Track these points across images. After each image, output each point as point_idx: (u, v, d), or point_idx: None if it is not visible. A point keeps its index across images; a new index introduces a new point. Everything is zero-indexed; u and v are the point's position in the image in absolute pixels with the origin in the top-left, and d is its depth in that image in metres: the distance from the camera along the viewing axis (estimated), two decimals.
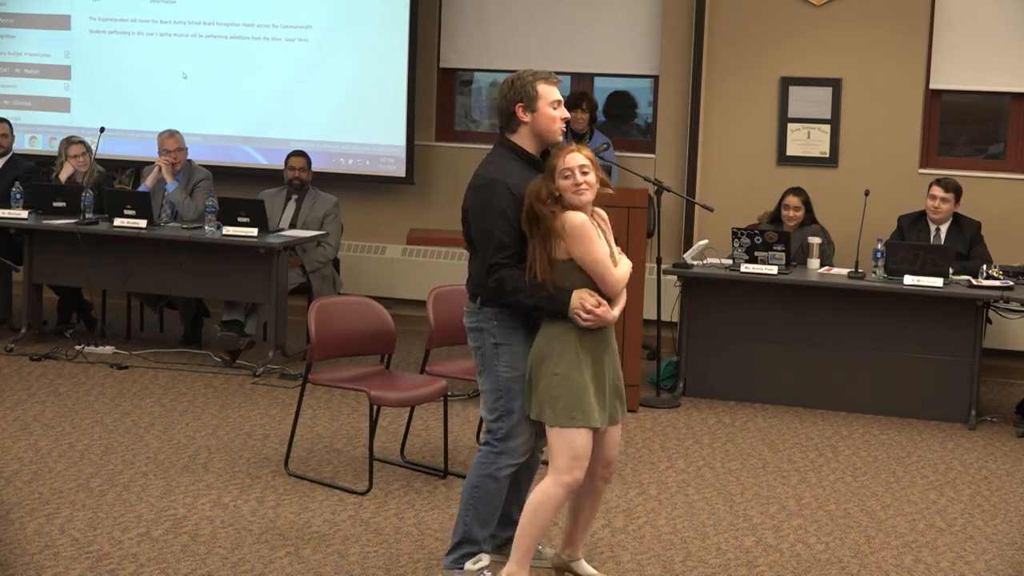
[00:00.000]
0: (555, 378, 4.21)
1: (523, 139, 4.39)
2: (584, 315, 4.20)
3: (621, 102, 9.44)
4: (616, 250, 4.36)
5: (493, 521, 4.46)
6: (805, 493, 5.77)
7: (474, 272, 4.39)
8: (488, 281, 4.26)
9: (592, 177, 4.24)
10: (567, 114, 4.42)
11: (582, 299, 4.20)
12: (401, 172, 9.21)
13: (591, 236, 4.20)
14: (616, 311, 4.28)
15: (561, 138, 4.40)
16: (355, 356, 6.59)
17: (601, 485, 4.47)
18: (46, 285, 8.46)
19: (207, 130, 9.47)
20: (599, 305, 4.22)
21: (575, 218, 4.18)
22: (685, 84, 8.78)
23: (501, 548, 4.64)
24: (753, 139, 8.70)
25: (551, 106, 4.35)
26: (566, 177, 4.20)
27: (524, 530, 4.28)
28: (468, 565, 4.41)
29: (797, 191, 7.92)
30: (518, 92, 4.35)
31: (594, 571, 4.59)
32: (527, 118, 4.35)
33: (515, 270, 4.23)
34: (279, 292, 7.69)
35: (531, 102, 4.34)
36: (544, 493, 4.25)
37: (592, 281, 4.24)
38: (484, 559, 4.43)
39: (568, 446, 4.22)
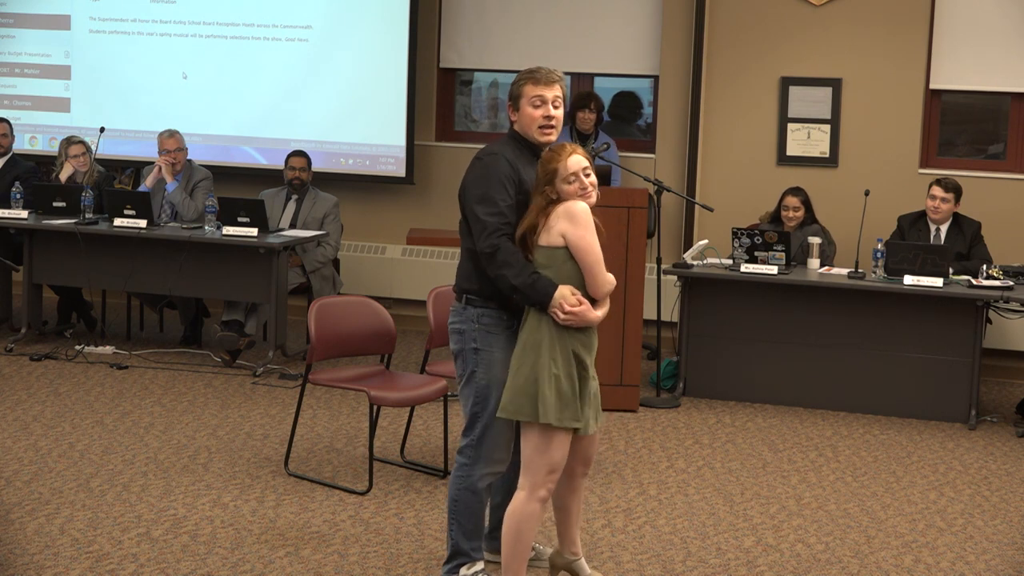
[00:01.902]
0: (547, 376, 4.08)
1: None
2: (563, 314, 4.09)
3: (623, 102, 9.44)
4: None
5: (479, 532, 4.39)
6: (805, 493, 5.77)
7: (462, 270, 4.33)
8: (484, 244, 4.15)
9: (594, 178, 4.20)
10: (551, 112, 4.29)
11: (564, 296, 4.09)
12: (401, 172, 9.20)
13: (592, 227, 4.11)
14: (600, 313, 4.17)
15: (551, 138, 4.31)
16: (355, 356, 6.60)
17: (580, 480, 4.43)
18: (46, 285, 8.46)
19: (207, 130, 9.47)
20: (580, 304, 4.11)
21: (580, 204, 4.12)
22: (685, 84, 8.77)
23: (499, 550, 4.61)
24: (753, 139, 8.70)
25: (531, 103, 4.28)
26: (571, 182, 4.13)
27: (510, 553, 4.17)
28: (463, 571, 4.37)
29: (796, 191, 7.91)
30: (510, 92, 4.36)
31: (592, 572, 4.57)
32: (514, 117, 4.35)
33: (513, 245, 4.15)
34: (279, 292, 7.69)
35: (516, 101, 4.33)
36: (522, 512, 4.14)
37: (580, 279, 4.15)
38: (478, 564, 4.39)
39: (547, 457, 4.11)
